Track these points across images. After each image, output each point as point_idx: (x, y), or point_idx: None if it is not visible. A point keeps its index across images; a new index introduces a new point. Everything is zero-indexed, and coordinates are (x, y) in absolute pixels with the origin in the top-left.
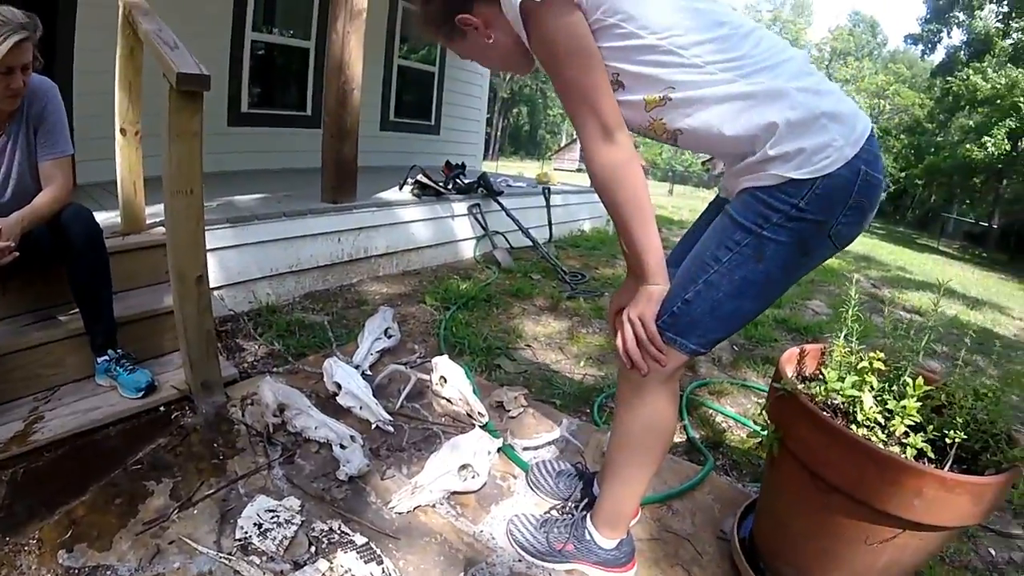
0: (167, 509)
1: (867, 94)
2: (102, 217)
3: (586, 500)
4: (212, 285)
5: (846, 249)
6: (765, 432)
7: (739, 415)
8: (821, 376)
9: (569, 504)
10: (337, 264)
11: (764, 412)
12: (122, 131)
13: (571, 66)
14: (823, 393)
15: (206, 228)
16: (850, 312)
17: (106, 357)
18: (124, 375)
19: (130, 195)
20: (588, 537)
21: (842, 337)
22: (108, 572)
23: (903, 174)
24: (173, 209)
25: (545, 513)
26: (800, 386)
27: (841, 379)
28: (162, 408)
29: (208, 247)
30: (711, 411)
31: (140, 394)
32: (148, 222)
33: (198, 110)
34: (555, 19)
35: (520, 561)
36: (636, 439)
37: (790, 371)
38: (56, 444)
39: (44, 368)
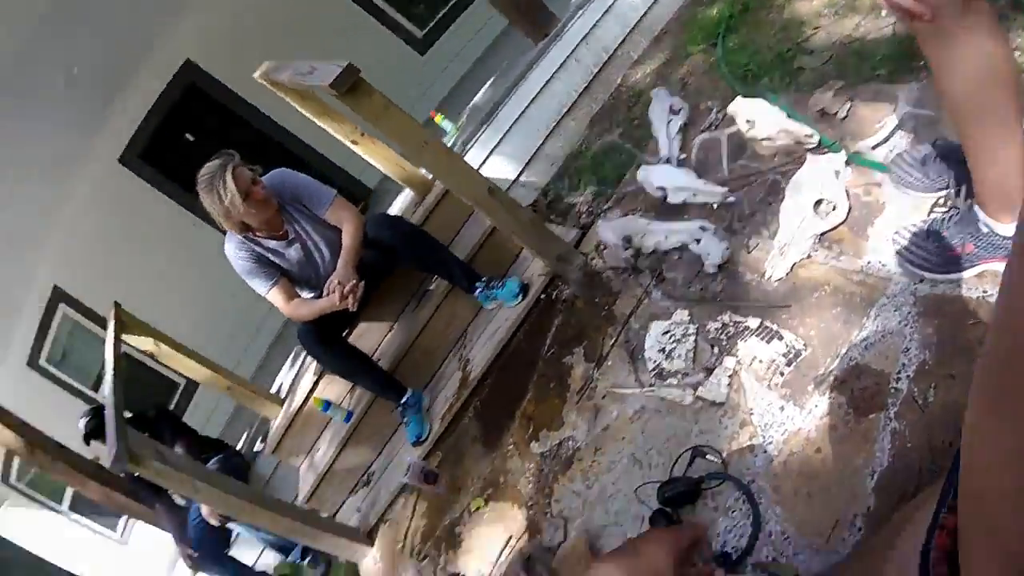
0: (589, 372)
1: None
2: (397, 201)
3: (968, 184)
4: (509, 178)
5: None
6: None
7: None
8: None
9: (949, 192)
10: (593, 81)
11: None
12: (353, 142)
13: None
14: None
15: (468, 144)
16: None
17: (478, 288)
18: (500, 291)
19: (401, 171)
20: (985, 229)
21: None
22: (570, 442)
23: None
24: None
25: (927, 217)
26: None
27: None
28: (542, 297)
29: (481, 158)
30: None
31: (520, 297)
32: (429, 178)
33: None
34: None
35: (922, 282)
36: (971, 99)
37: None
38: (488, 372)
39: (446, 328)
